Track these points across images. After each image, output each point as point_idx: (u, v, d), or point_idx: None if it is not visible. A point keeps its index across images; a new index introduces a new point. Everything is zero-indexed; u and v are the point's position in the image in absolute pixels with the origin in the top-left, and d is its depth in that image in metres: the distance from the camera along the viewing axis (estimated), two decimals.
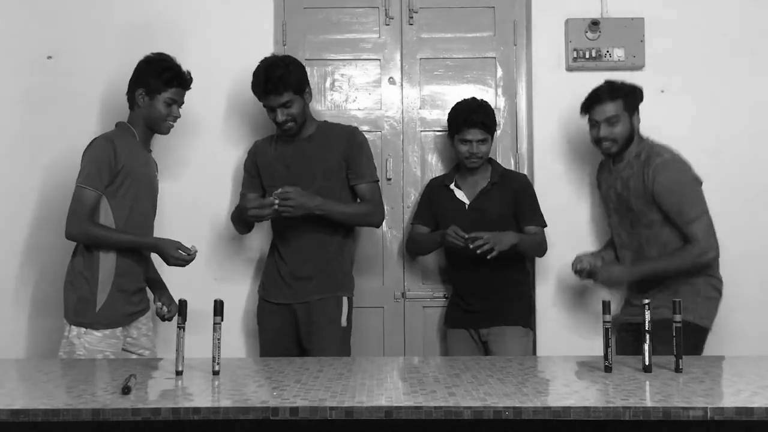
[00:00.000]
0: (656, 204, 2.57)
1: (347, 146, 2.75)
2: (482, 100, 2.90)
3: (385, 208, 3.10)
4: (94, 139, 2.51)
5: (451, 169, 3.02)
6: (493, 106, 3.00)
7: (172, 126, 2.61)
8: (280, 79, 2.62)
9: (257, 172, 2.84)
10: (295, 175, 2.73)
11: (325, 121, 2.87)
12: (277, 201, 2.54)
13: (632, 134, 2.67)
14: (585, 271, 2.72)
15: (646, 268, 2.61)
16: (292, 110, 2.67)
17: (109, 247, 2.47)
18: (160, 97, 2.53)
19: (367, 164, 2.78)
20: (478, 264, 2.71)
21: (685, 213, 2.53)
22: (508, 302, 2.82)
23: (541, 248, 2.85)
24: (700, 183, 2.61)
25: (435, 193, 2.95)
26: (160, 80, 2.53)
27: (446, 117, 3.15)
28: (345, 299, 2.74)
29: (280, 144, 2.81)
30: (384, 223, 3.11)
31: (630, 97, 2.66)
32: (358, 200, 2.78)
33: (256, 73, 2.69)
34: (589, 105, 2.68)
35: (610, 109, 2.63)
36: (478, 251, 2.61)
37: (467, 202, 2.86)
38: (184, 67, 2.61)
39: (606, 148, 2.68)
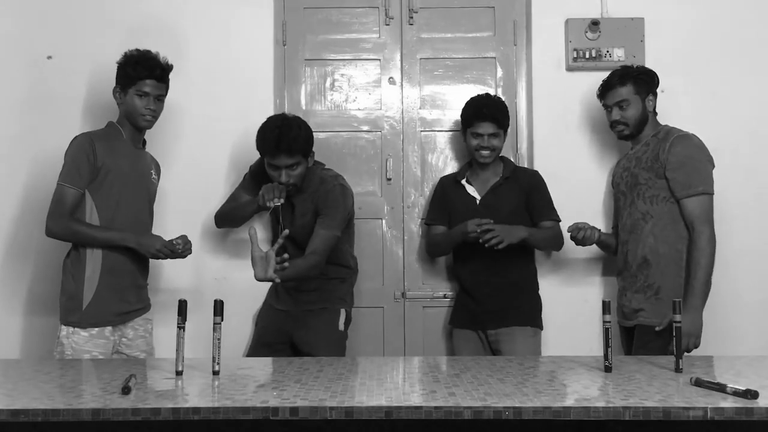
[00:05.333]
0: (664, 178, 2.59)
1: (321, 201, 2.70)
2: (496, 96, 2.95)
3: (385, 208, 3.13)
4: (75, 137, 2.53)
5: (463, 166, 3.01)
6: None
7: (150, 119, 2.58)
8: (294, 140, 2.58)
9: (260, 180, 2.82)
10: (284, 215, 2.77)
11: (321, 168, 2.81)
12: None
13: (645, 116, 2.72)
14: (581, 234, 2.67)
15: (697, 296, 2.50)
16: (296, 172, 2.64)
17: (88, 244, 2.47)
18: (131, 91, 2.54)
19: (330, 217, 2.67)
20: (486, 263, 2.75)
21: (693, 186, 2.55)
22: (517, 302, 2.81)
23: (557, 241, 2.85)
24: (713, 166, 2.63)
25: (447, 190, 2.94)
26: (127, 75, 2.54)
27: (446, 117, 3.17)
28: (343, 310, 2.78)
29: None
30: (384, 223, 3.13)
31: (641, 80, 2.71)
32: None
33: (267, 130, 2.63)
34: (603, 91, 2.77)
35: (620, 93, 2.70)
36: (486, 245, 2.61)
37: (478, 197, 2.86)
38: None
39: (619, 131, 2.75)
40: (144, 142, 2.68)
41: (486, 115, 2.80)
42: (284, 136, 2.58)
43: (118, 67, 2.59)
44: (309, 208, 2.74)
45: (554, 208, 2.86)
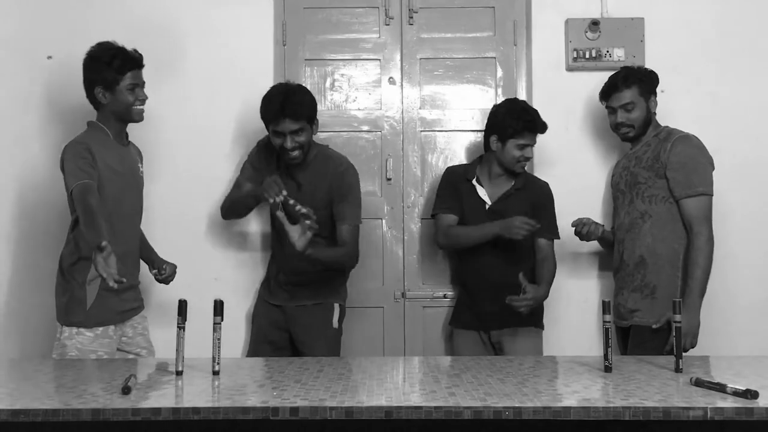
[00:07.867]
0: (664, 178, 2.60)
1: (336, 185, 2.72)
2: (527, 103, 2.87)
3: (385, 208, 3.13)
4: (66, 145, 2.43)
5: (471, 163, 2.96)
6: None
7: (143, 109, 2.52)
8: (300, 105, 2.60)
9: (261, 167, 2.81)
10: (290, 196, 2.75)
11: (326, 147, 2.84)
12: (279, 211, 2.48)
13: (649, 118, 2.73)
14: (586, 229, 2.70)
15: (695, 295, 2.50)
16: (301, 138, 2.63)
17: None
18: (119, 87, 2.46)
19: (350, 207, 2.72)
20: (490, 264, 2.75)
21: (693, 186, 2.56)
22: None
23: (554, 268, 2.82)
24: (713, 167, 2.64)
25: (458, 184, 2.88)
26: (112, 71, 2.44)
27: (446, 117, 3.17)
28: (337, 305, 2.78)
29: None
30: (384, 223, 3.13)
31: (645, 81, 2.72)
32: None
33: (271, 96, 2.64)
34: (607, 93, 2.76)
35: (625, 96, 2.70)
36: (519, 308, 2.61)
37: (489, 202, 2.82)
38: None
39: (624, 133, 2.75)
40: (126, 136, 2.60)
41: (536, 126, 2.75)
42: (288, 101, 2.59)
43: (91, 68, 2.47)
44: (321, 188, 2.72)
45: (556, 225, 2.83)
